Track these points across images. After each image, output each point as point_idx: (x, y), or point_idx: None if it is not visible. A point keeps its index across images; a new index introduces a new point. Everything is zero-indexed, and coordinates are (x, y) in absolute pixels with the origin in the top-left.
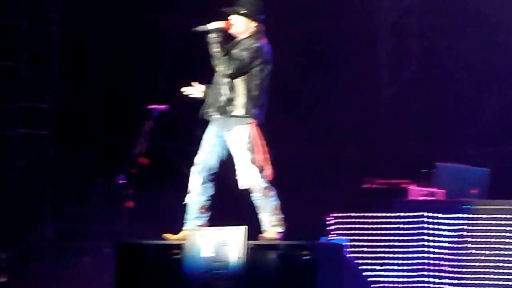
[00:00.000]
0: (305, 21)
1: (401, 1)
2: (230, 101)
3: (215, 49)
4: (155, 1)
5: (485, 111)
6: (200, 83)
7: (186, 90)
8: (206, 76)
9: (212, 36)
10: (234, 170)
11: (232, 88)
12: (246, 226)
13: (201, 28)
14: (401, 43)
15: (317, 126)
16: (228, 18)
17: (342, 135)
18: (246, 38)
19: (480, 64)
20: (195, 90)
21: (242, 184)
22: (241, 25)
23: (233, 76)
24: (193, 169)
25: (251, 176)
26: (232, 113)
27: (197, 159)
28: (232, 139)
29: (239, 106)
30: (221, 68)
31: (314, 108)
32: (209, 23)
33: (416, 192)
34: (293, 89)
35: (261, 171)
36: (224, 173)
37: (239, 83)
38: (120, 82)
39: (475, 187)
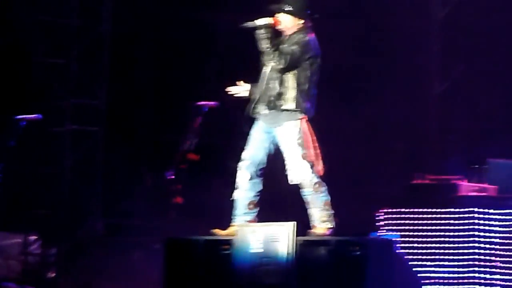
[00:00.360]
0: (357, 18)
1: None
2: (280, 95)
3: (265, 44)
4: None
5: None
6: (246, 81)
7: (231, 90)
8: (254, 72)
9: (261, 32)
10: (283, 166)
11: (282, 82)
12: (295, 222)
13: (250, 24)
14: (452, 39)
15: (367, 121)
16: (275, 15)
17: (393, 130)
18: (294, 33)
19: None
20: (240, 89)
21: (292, 179)
22: (288, 22)
23: (284, 71)
24: (240, 164)
25: (302, 171)
26: (283, 107)
27: (244, 155)
28: (283, 134)
29: (290, 100)
30: (272, 63)
31: (365, 103)
32: (257, 19)
33: (467, 188)
34: (344, 85)
35: (312, 166)
36: (273, 168)
37: (290, 77)
38: (169, 79)
39: None
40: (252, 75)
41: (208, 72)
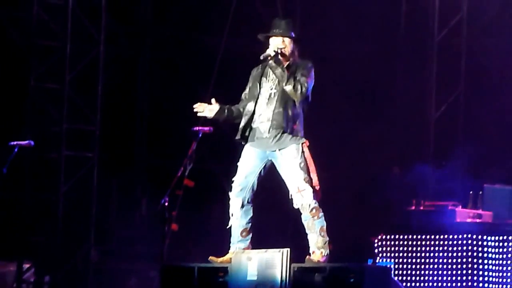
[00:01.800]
0: (355, 42)
1: (448, 21)
2: (288, 120)
3: (285, 72)
4: (199, 22)
5: None
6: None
7: (197, 107)
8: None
9: (276, 61)
10: (282, 190)
11: (294, 109)
12: (289, 248)
13: (265, 54)
14: (449, 62)
15: (364, 147)
16: (272, 39)
17: (389, 156)
18: (296, 61)
19: None
20: (207, 108)
21: (295, 203)
22: (288, 47)
23: (302, 100)
24: (232, 193)
25: (303, 196)
26: (289, 132)
27: (235, 182)
28: (285, 157)
29: (297, 125)
30: (295, 91)
31: (361, 129)
32: (268, 47)
33: (464, 214)
34: (340, 110)
35: (313, 191)
36: (272, 193)
37: (298, 105)
38: (165, 104)
39: None
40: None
41: (204, 97)
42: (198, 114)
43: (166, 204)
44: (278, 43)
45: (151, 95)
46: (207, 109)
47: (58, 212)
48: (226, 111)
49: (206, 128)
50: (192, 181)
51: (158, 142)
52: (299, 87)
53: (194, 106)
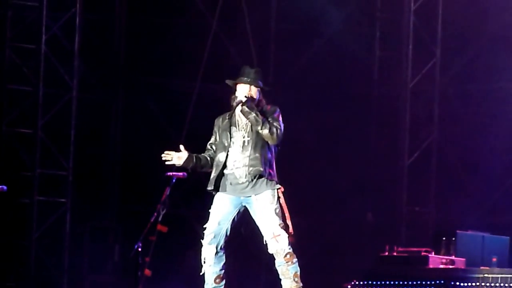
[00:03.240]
0: (328, 88)
1: (421, 68)
2: (266, 164)
3: (258, 117)
4: (172, 67)
5: (505, 179)
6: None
7: (166, 155)
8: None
9: (248, 107)
10: (256, 236)
11: (268, 153)
12: None
13: (238, 97)
14: (422, 108)
15: (337, 193)
16: (239, 86)
17: (362, 202)
18: (264, 108)
19: (501, 131)
20: (176, 156)
21: (270, 248)
22: (254, 95)
23: (278, 140)
24: (204, 241)
25: (278, 241)
26: (267, 176)
27: (208, 230)
28: (261, 203)
29: (272, 171)
30: (271, 135)
31: (335, 175)
32: (238, 93)
33: (437, 260)
34: (313, 156)
35: (288, 237)
36: (245, 239)
37: (269, 150)
38: (138, 149)
39: (495, 256)
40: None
41: (178, 142)
42: (167, 163)
43: (139, 249)
44: (245, 91)
45: (124, 140)
46: (176, 157)
47: (30, 258)
48: (194, 159)
49: (180, 174)
50: (165, 226)
51: (131, 188)
52: (274, 130)
53: (163, 154)
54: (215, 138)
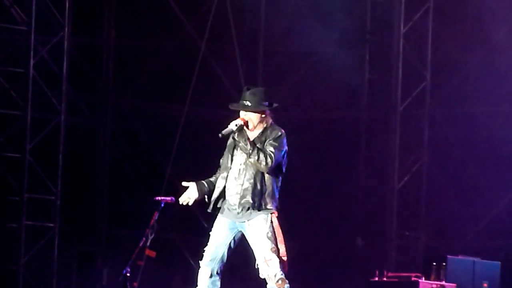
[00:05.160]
0: (318, 110)
1: (411, 90)
2: (263, 194)
3: (248, 146)
4: (161, 91)
5: (497, 203)
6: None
7: (183, 200)
8: (212, 167)
9: (238, 135)
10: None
11: (264, 181)
12: None
13: (226, 130)
14: (411, 132)
15: (327, 217)
16: (241, 114)
17: (352, 226)
18: (267, 129)
19: (490, 154)
20: (187, 196)
21: (261, 273)
22: (254, 118)
23: (270, 171)
24: (202, 262)
25: (270, 266)
26: (257, 207)
27: (206, 252)
28: (253, 227)
29: (269, 198)
30: (259, 164)
31: (325, 199)
32: (229, 124)
33: (427, 285)
34: (304, 181)
35: (280, 261)
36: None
37: (268, 176)
38: (126, 173)
39: (486, 281)
40: (209, 171)
41: (165, 166)
42: (189, 204)
43: (128, 274)
44: (243, 115)
45: (112, 165)
46: (187, 196)
47: (19, 283)
48: (206, 186)
49: (168, 198)
50: (154, 251)
51: (119, 212)
52: (263, 158)
53: (181, 200)
54: (223, 158)
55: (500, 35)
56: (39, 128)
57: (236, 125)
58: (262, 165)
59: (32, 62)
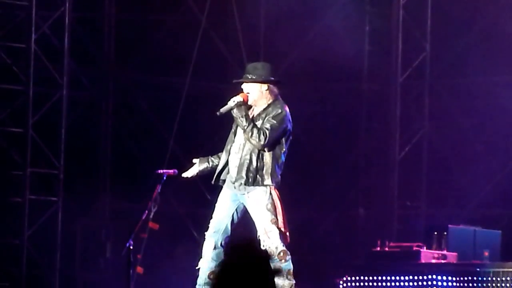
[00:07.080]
0: (318, 81)
1: (411, 62)
2: (258, 170)
3: (243, 123)
4: (162, 64)
5: (497, 172)
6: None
7: (188, 174)
8: (214, 140)
9: (236, 111)
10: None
11: (260, 158)
12: None
13: (224, 108)
14: (412, 103)
15: (329, 189)
16: (243, 89)
17: (354, 197)
18: (269, 106)
19: (493, 124)
20: (195, 170)
21: (262, 244)
22: (254, 92)
23: (266, 148)
24: (207, 233)
25: (271, 237)
26: (251, 182)
27: (211, 223)
28: (252, 199)
29: (267, 175)
30: (253, 140)
31: (326, 170)
32: (228, 100)
33: (428, 255)
34: (305, 153)
35: (280, 233)
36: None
37: (267, 153)
38: (128, 147)
39: (487, 250)
40: (211, 143)
41: (168, 139)
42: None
43: (131, 247)
44: (245, 89)
45: (115, 138)
46: (190, 172)
47: (22, 257)
48: (211, 160)
49: (171, 171)
50: (156, 224)
51: (122, 185)
52: (256, 135)
53: (183, 175)
54: (231, 130)
55: (501, 3)
56: (41, 102)
57: (234, 101)
58: (255, 142)
59: (33, 37)
